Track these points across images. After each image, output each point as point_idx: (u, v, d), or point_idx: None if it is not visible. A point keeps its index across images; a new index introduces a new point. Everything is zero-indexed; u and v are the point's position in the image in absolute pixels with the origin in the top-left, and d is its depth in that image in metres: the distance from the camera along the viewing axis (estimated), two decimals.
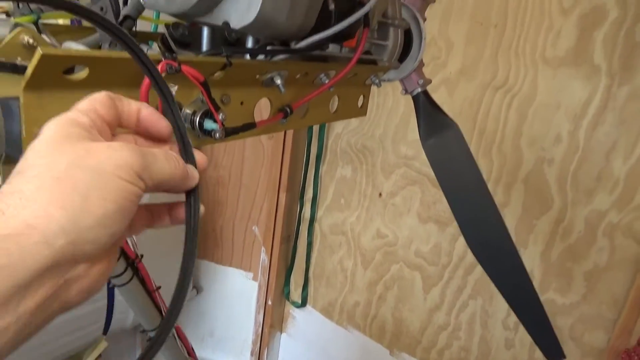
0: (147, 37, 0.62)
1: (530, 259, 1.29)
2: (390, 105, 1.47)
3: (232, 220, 1.80)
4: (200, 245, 1.80)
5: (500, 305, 1.36)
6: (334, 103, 0.71)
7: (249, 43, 0.53)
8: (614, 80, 1.13)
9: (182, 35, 0.62)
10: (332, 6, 0.55)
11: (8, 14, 0.49)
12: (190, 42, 0.62)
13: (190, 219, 0.35)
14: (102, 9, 0.40)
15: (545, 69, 1.21)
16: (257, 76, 0.52)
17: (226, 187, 1.77)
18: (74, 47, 0.43)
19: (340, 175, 1.62)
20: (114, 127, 0.33)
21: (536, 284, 1.26)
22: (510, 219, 1.29)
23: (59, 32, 0.51)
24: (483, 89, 1.30)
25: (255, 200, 1.71)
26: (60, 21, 0.52)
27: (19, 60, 0.33)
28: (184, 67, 0.39)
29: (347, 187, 1.61)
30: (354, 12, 0.63)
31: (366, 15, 0.62)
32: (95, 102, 0.32)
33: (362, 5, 0.63)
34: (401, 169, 1.48)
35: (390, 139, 1.49)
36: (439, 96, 1.38)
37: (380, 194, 1.53)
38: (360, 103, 0.77)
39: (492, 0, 1.25)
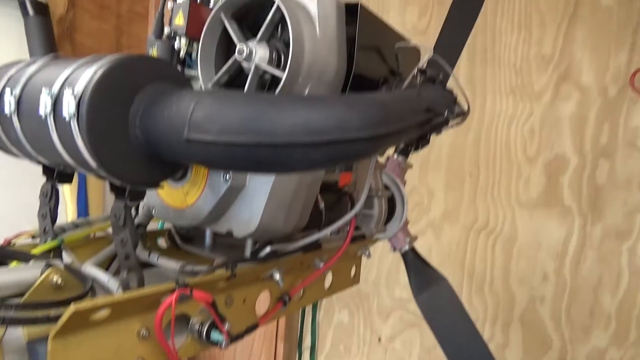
0: (155, 235, 0.68)
1: None
2: (380, 250, 1.52)
3: None
4: None
5: None
6: (328, 279, 0.75)
7: (249, 247, 0.58)
8: (586, 220, 1.21)
9: (186, 232, 0.68)
10: (322, 205, 0.62)
11: (33, 237, 0.55)
12: (193, 236, 0.69)
13: None
14: (122, 240, 0.46)
15: (522, 211, 1.29)
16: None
17: None
18: (94, 271, 0.48)
19: (337, 321, 1.61)
20: None
21: None
22: None
23: (77, 247, 0.57)
24: (467, 231, 1.38)
25: (252, 352, 1.67)
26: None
27: (51, 313, 0.37)
28: (195, 293, 0.44)
29: (346, 333, 1.59)
30: (341, 201, 0.71)
31: (352, 204, 0.69)
32: None
33: (347, 194, 0.71)
34: (398, 312, 1.48)
35: (383, 283, 1.52)
36: (426, 239, 1.45)
37: (379, 339, 1.52)
38: (352, 273, 0.82)
39: (463, 152, 1.38)
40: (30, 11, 1.15)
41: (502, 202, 1.32)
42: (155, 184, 0.45)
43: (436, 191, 1.42)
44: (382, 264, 1.53)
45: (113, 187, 0.46)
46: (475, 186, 1.36)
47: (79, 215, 1.16)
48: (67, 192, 1.15)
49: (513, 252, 1.31)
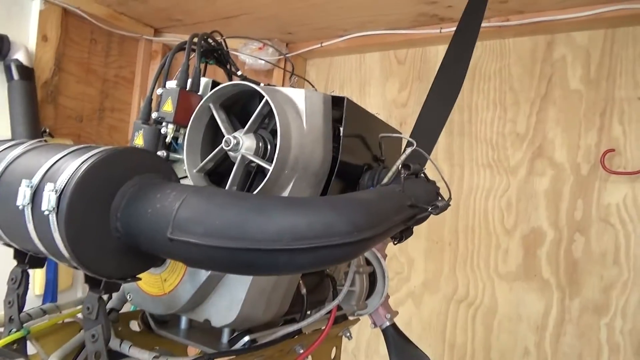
0: (128, 317, 0.65)
1: None
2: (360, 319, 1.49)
3: None
4: None
5: None
6: None
7: (226, 335, 0.56)
8: (565, 293, 1.21)
9: (161, 315, 0.65)
10: (303, 290, 0.61)
11: None
12: (168, 320, 0.66)
13: None
14: (93, 336, 0.44)
15: (501, 283, 1.30)
16: None
17: None
18: None
19: None
20: None
21: None
22: None
23: (44, 335, 0.54)
24: (447, 302, 1.36)
25: None
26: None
27: None
28: None
29: None
30: (323, 283, 0.69)
31: (335, 291, 0.68)
32: None
33: (329, 277, 0.70)
34: None
35: (363, 353, 1.47)
36: (406, 308, 1.43)
37: None
38: (333, 354, 0.79)
39: (443, 220, 1.39)
40: (15, 75, 1.16)
41: (482, 273, 1.32)
42: (133, 277, 0.44)
43: (416, 260, 1.42)
44: (361, 334, 1.49)
45: (88, 278, 0.44)
46: (454, 255, 1.37)
47: (47, 284, 1.11)
48: None
49: (494, 325, 1.30)
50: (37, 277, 1.14)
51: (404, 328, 0.93)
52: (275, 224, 0.36)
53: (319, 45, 1.51)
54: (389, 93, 1.50)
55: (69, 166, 0.40)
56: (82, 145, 0.45)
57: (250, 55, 1.40)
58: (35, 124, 1.15)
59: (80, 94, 1.36)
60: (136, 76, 1.52)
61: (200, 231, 0.37)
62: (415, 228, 1.51)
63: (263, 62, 1.46)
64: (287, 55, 1.45)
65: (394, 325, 0.96)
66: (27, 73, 1.18)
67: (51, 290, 1.11)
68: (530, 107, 1.28)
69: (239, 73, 0.68)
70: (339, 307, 0.79)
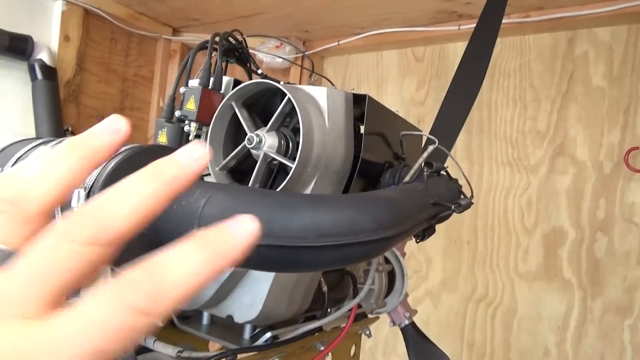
0: None
1: None
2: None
3: None
4: None
5: None
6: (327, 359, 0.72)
7: (248, 331, 0.57)
8: (586, 293, 1.19)
9: (183, 310, 0.66)
10: (325, 288, 0.61)
11: None
12: (191, 315, 0.67)
13: None
14: None
15: (521, 283, 1.28)
16: None
17: None
18: None
19: None
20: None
21: None
22: None
23: None
24: (466, 301, 1.35)
25: None
26: None
27: None
28: None
29: None
30: (343, 281, 0.70)
31: (355, 288, 0.68)
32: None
33: (349, 274, 0.70)
34: None
35: (381, 351, 1.47)
36: (424, 307, 1.42)
37: None
38: (352, 352, 0.79)
39: (462, 218, 1.38)
40: (39, 75, 1.18)
41: (501, 273, 1.31)
42: None
43: (434, 258, 1.41)
44: (379, 331, 1.49)
45: (112, 273, 0.45)
46: (473, 254, 1.35)
47: None
48: None
49: (513, 325, 1.28)
50: None
51: (422, 327, 0.93)
52: (300, 221, 0.36)
53: (336, 43, 1.51)
54: (406, 91, 1.49)
55: None
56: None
57: (267, 54, 1.40)
58: (58, 123, 1.18)
59: (102, 93, 1.39)
60: (155, 75, 1.54)
61: None
62: None
63: (280, 60, 1.46)
64: (305, 53, 1.45)
65: (413, 324, 0.96)
66: (50, 73, 1.20)
67: None
68: (551, 105, 1.26)
69: (260, 72, 0.68)
70: (358, 305, 0.79)
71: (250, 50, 0.68)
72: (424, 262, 1.43)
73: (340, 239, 0.36)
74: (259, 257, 0.37)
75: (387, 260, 0.95)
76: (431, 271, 1.42)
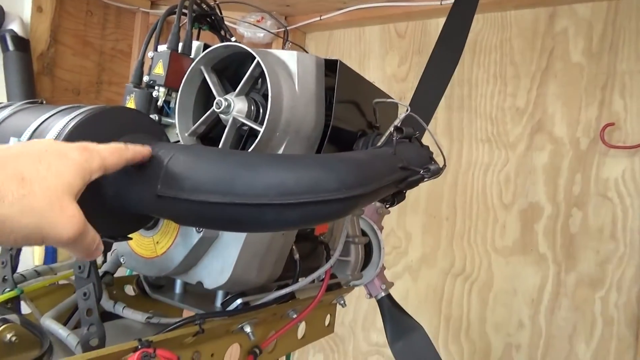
0: (123, 282, 0.66)
1: None
2: (357, 292, 1.50)
3: None
4: None
5: None
6: (301, 328, 0.73)
7: (219, 298, 0.57)
8: (561, 267, 1.22)
9: (156, 279, 0.66)
10: (296, 255, 0.61)
11: None
12: (163, 284, 0.67)
13: None
14: (85, 294, 0.44)
15: (498, 258, 1.30)
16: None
17: None
18: (53, 326, 0.45)
19: None
20: None
21: None
22: None
23: (39, 296, 0.54)
24: (444, 276, 1.37)
25: None
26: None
27: None
28: (159, 352, 0.42)
29: None
30: (317, 250, 0.70)
31: (327, 253, 0.69)
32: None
33: (323, 244, 0.70)
34: (374, 357, 1.45)
35: (360, 326, 1.49)
36: (403, 282, 1.44)
37: None
38: (327, 322, 0.80)
39: (441, 195, 1.39)
40: (11, 46, 1.15)
41: (479, 248, 1.33)
42: (123, 237, 0.44)
43: (414, 234, 1.43)
44: (358, 306, 1.51)
45: None
46: (452, 230, 1.37)
47: (47, 255, 1.12)
48: None
49: (489, 298, 1.31)
50: (37, 248, 1.15)
51: (401, 301, 0.94)
52: (263, 179, 0.36)
53: (318, 18, 1.49)
54: (388, 67, 1.48)
55: (57, 124, 0.40)
56: (71, 105, 0.44)
57: (248, 27, 1.38)
58: (31, 95, 1.15)
59: (77, 67, 1.35)
60: (133, 49, 1.51)
61: (188, 187, 0.37)
62: (413, 203, 1.50)
63: (262, 35, 1.44)
64: (287, 28, 1.43)
65: (389, 296, 0.97)
66: (22, 44, 1.16)
67: (50, 261, 1.12)
68: (530, 81, 1.27)
69: (233, 39, 0.67)
70: (333, 276, 0.79)
71: (230, 25, 0.67)
72: (403, 238, 1.44)
73: (303, 197, 0.36)
74: (222, 216, 0.37)
75: (364, 233, 0.95)
76: (410, 247, 1.43)
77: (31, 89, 1.16)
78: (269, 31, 1.42)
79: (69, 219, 0.30)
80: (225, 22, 0.67)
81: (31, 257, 1.14)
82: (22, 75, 1.14)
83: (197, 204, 0.36)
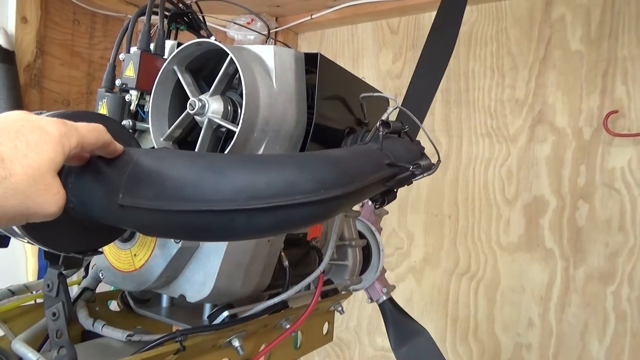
0: (107, 297, 0.63)
1: None
2: (361, 295, 1.47)
3: None
4: None
5: None
6: (298, 339, 0.70)
7: (207, 311, 0.54)
8: (569, 262, 1.18)
9: (142, 294, 0.63)
10: (286, 262, 0.58)
11: None
12: (149, 298, 0.64)
13: None
14: (54, 314, 0.41)
15: (503, 255, 1.26)
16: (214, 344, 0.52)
17: None
18: (22, 350, 0.42)
19: None
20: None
21: None
22: None
23: (13, 317, 0.51)
24: (449, 276, 1.34)
25: None
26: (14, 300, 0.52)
27: None
28: None
29: None
30: (309, 256, 0.67)
31: (320, 258, 0.66)
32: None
33: (315, 248, 0.67)
34: None
35: (365, 330, 1.45)
36: (407, 284, 1.40)
37: None
38: (325, 330, 0.77)
39: (442, 192, 1.36)
40: None
41: (483, 245, 1.29)
42: (92, 251, 0.41)
43: (416, 234, 1.39)
44: (363, 310, 1.47)
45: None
46: (455, 228, 1.33)
47: (40, 269, 1.09)
48: (27, 244, 1.08)
49: (496, 297, 1.27)
50: (30, 264, 1.12)
51: (405, 304, 0.91)
52: (231, 182, 0.33)
53: (309, 17, 1.46)
54: (383, 64, 1.45)
55: None
56: (37, 112, 0.41)
57: (238, 29, 1.35)
58: (19, 108, 1.12)
59: (66, 77, 1.33)
60: None
61: (150, 195, 0.34)
62: (414, 202, 1.47)
63: (252, 37, 1.41)
64: (270, 30, 1.40)
65: (391, 300, 0.94)
66: (8, 56, 1.14)
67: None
68: (529, 72, 1.23)
69: (212, 38, 0.64)
70: (330, 281, 0.76)
71: (220, 28, 0.64)
72: (405, 238, 1.41)
73: (275, 201, 0.32)
74: (189, 225, 0.34)
75: (361, 235, 0.92)
76: (413, 247, 1.39)
77: (18, 102, 1.14)
78: (260, 33, 1.39)
79: (53, 196, 0.30)
80: (215, 25, 0.64)
81: (24, 274, 1.11)
82: (9, 88, 1.12)
83: (160, 213, 0.33)
